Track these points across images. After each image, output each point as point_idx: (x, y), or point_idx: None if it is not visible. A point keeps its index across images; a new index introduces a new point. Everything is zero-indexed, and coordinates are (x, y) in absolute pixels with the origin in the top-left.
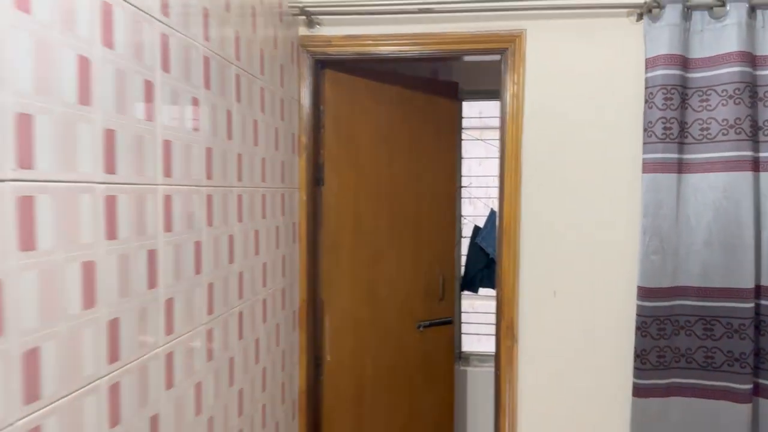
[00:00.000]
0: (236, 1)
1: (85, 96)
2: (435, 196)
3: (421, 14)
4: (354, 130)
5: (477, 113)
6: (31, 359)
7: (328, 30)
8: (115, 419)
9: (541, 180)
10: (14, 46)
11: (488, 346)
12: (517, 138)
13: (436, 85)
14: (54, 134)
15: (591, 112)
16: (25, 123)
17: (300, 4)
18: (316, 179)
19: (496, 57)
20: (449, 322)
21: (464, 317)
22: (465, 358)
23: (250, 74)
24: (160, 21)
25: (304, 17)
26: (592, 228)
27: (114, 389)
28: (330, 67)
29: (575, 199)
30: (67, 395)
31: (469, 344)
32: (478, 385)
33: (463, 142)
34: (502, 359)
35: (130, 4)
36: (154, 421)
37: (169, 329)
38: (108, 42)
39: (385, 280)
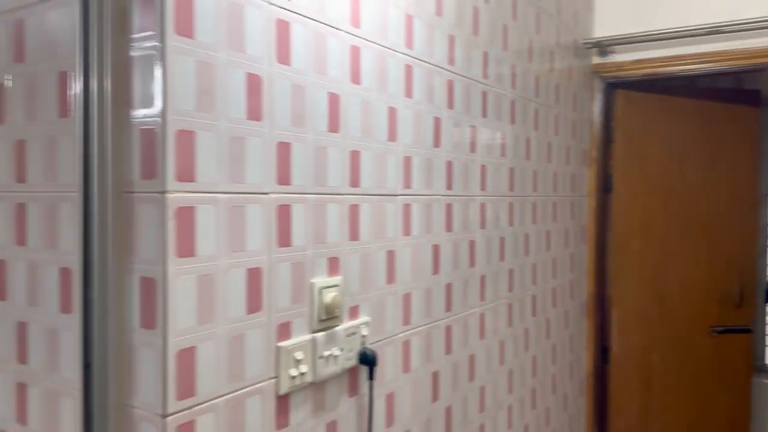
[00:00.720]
0: (537, 48)
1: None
2: (733, 204)
3: (709, 35)
4: (644, 141)
5: None
6: (407, 300)
7: (619, 57)
8: (448, 349)
9: None
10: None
11: None
12: None
13: (734, 94)
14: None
15: None
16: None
17: (594, 39)
18: (604, 188)
19: None
20: (748, 331)
21: None
22: None
23: (546, 105)
24: (482, 83)
25: (596, 48)
26: None
27: (448, 330)
28: (621, 87)
29: None
30: (424, 325)
31: None
32: None
33: None
34: None
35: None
36: (471, 359)
37: (482, 297)
38: (451, 104)
39: (675, 283)
